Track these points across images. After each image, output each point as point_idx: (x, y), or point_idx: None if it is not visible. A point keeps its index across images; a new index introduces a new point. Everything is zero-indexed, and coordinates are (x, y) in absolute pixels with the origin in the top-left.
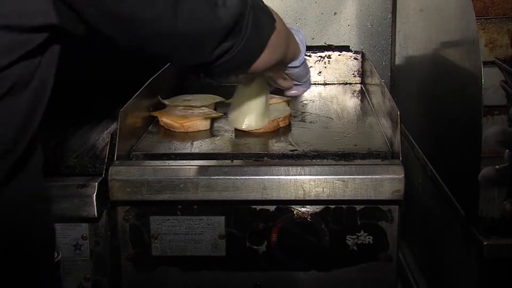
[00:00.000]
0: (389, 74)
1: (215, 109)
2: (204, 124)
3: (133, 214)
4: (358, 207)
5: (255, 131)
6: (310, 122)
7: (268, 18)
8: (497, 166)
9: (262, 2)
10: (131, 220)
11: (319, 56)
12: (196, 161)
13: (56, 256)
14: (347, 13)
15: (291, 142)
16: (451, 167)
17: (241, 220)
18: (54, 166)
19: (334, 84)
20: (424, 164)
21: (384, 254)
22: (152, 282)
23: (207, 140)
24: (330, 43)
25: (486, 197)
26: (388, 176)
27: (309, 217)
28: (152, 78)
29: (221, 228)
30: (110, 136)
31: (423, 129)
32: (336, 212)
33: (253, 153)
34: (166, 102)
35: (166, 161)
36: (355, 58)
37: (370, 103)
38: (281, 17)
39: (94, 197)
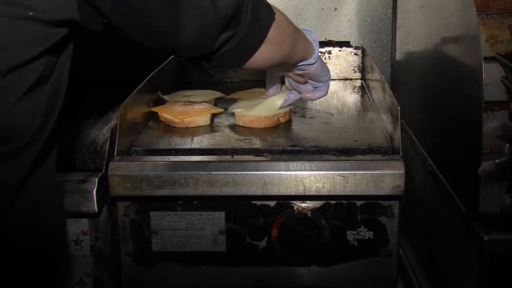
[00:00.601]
0: (390, 69)
1: (215, 105)
2: (204, 120)
3: (133, 209)
4: (358, 203)
5: (256, 126)
6: (311, 118)
7: (267, 9)
8: (497, 160)
9: None
10: (131, 215)
11: (320, 52)
12: (196, 156)
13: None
14: (348, 9)
15: (291, 138)
16: (451, 163)
17: (241, 216)
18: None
19: (335, 79)
20: (425, 159)
21: (385, 250)
22: (152, 278)
23: (207, 135)
24: (331, 39)
25: (486, 192)
26: (388, 171)
27: (309, 212)
28: (151, 73)
29: (222, 223)
30: (110, 131)
31: (423, 124)
32: (336, 207)
33: (254, 149)
34: (166, 97)
35: (166, 157)
36: (355, 54)
37: (370, 98)
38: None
39: (94, 192)
